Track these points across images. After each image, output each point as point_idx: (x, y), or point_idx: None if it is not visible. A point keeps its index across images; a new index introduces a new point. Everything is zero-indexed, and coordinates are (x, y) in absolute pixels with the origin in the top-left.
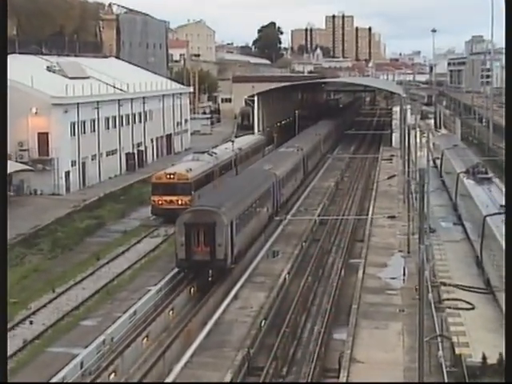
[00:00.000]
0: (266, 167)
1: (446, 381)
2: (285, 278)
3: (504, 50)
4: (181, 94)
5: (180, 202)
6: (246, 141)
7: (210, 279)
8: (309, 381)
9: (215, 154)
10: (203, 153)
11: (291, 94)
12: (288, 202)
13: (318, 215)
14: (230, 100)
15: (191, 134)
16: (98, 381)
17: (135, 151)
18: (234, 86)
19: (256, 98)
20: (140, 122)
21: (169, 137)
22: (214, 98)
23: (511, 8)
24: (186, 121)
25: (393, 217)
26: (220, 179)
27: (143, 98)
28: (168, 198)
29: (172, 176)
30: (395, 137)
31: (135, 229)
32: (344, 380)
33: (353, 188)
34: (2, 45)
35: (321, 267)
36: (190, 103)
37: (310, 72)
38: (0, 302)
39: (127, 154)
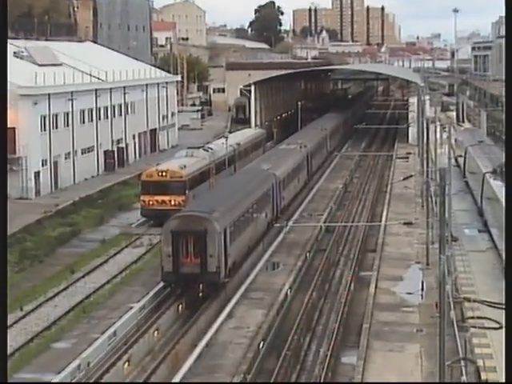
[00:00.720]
0: (265, 167)
1: None
2: (286, 294)
3: (504, 50)
4: (167, 83)
5: (173, 203)
6: (244, 135)
7: (200, 295)
8: (309, 381)
9: (211, 149)
10: (198, 148)
11: (293, 83)
12: (290, 207)
13: (324, 222)
14: (223, 90)
15: (179, 128)
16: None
17: (115, 149)
18: (227, 74)
19: (253, 88)
20: (120, 115)
21: (153, 132)
22: (205, 87)
23: (511, 8)
24: (172, 114)
25: (409, 223)
26: (217, 177)
27: (124, 87)
28: (159, 198)
29: (164, 173)
30: (412, 132)
31: (115, 237)
32: None
33: (364, 190)
34: (1, 44)
35: (327, 281)
36: (178, 94)
37: (315, 58)
38: (0, 302)
39: (106, 152)
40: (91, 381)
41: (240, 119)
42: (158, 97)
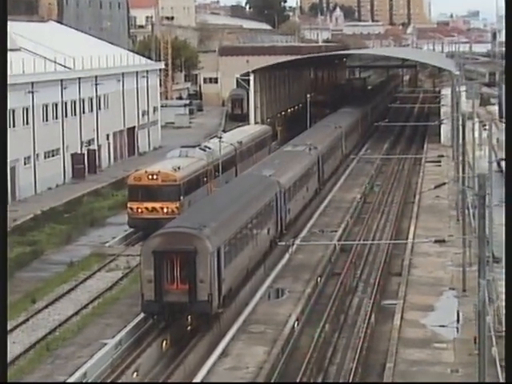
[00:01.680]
0: (267, 173)
1: None
2: (293, 327)
3: (504, 50)
4: (147, 71)
5: (165, 210)
6: (247, 132)
7: (188, 328)
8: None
9: (209, 148)
10: (194, 147)
11: (301, 71)
12: (297, 221)
13: (339, 239)
14: (215, 80)
15: (162, 127)
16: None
17: (84, 151)
18: (221, 61)
19: (252, 78)
20: (91, 111)
21: (131, 131)
22: (194, 77)
23: (511, 8)
24: (154, 109)
25: (442, 241)
26: (216, 181)
27: (95, 77)
28: (149, 205)
29: (155, 176)
30: (445, 130)
31: (85, 259)
32: None
33: (386, 202)
34: (1, 44)
35: (342, 312)
36: (161, 85)
37: (327, 41)
38: (0, 303)
39: (74, 156)
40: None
41: (236, 115)
42: (137, 88)
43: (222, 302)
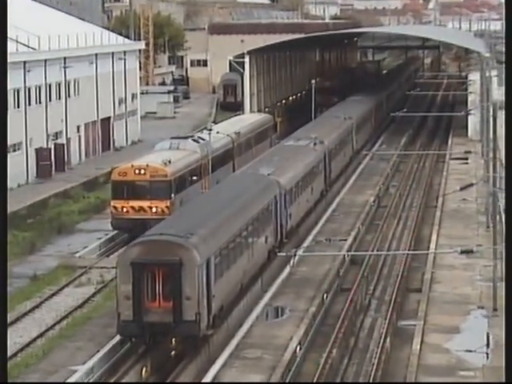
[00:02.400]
0: (265, 171)
1: None
2: (294, 352)
3: (504, 50)
4: (125, 52)
5: (154, 210)
6: (246, 122)
7: (172, 353)
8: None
9: (203, 140)
10: (186, 138)
11: (304, 53)
12: (299, 228)
13: (349, 249)
14: (204, 63)
15: (142, 117)
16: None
17: (51, 146)
18: (211, 41)
19: (247, 60)
20: (59, 98)
21: (106, 123)
22: (180, 59)
23: (511, 8)
24: (133, 97)
25: (469, 252)
26: (212, 177)
27: (64, 59)
28: (136, 204)
29: (142, 171)
30: (473, 122)
31: (51, 272)
32: None
33: (404, 205)
34: (1, 45)
35: (353, 334)
36: (141, 68)
37: (335, 18)
38: (0, 302)
39: (38, 151)
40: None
41: (229, 104)
42: (113, 72)
43: (212, 323)
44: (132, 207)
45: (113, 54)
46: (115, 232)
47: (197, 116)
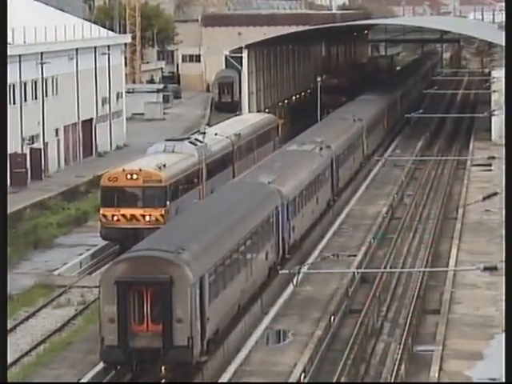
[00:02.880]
0: (265, 179)
1: None
2: (298, 381)
3: (504, 49)
4: (109, 47)
5: (148, 219)
6: (247, 122)
7: (162, 382)
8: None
9: (201, 142)
10: (182, 140)
11: (309, 47)
12: (304, 242)
13: (359, 266)
14: (198, 58)
15: (128, 119)
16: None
17: (26, 151)
18: (204, 34)
19: (246, 55)
20: (35, 98)
21: (88, 125)
22: (170, 54)
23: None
24: (118, 96)
25: (493, 269)
26: (210, 182)
27: (41, 54)
28: (128, 212)
29: (135, 176)
30: (497, 124)
31: (27, 292)
32: None
33: (420, 217)
34: (2, 44)
35: (363, 360)
36: (126, 64)
37: (343, 8)
38: (0, 302)
39: (12, 157)
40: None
41: (225, 104)
42: (96, 69)
43: (206, 348)
44: (123, 215)
45: (95, 48)
46: (98, 247)
47: (189, 118)
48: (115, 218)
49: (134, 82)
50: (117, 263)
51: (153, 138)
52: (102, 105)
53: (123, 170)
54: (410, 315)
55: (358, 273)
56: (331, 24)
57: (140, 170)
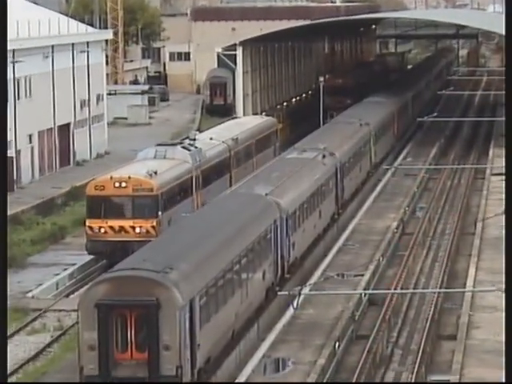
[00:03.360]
0: (262, 191)
1: None
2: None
3: (504, 49)
4: (88, 44)
5: (138, 231)
6: (245, 126)
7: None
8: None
9: (195, 147)
10: (174, 145)
11: (311, 44)
12: (305, 260)
13: (367, 287)
14: (187, 56)
15: (110, 124)
16: None
17: None
18: (194, 29)
19: (240, 53)
20: (5, 101)
21: (65, 130)
22: (156, 51)
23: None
24: (99, 98)
25: None
26: (205, 191)
27: (13, 52)
28: (116, 223)
29: (124, 184)
30: None
31: None
32: None
33: (434, 232)
34: (1, 44)
35: None
36: (108, 63)
37: (348, 0)
38: (0, 302)
39: None
40: None
41: (218, 107)
42: (73, 69)
43: (197, 378)
44: (111, 227)
45: (73, 45)
46: (76, 266)
47: (177, 122)
48: (102, 230)
49: (116, 82)
50: (97, 284)
51: (137, 145)
52: (81, 108)
53: (111, 178)
54: (423, 341)
55: (365, 294)
56: (335, 18)
57: (129, 177)
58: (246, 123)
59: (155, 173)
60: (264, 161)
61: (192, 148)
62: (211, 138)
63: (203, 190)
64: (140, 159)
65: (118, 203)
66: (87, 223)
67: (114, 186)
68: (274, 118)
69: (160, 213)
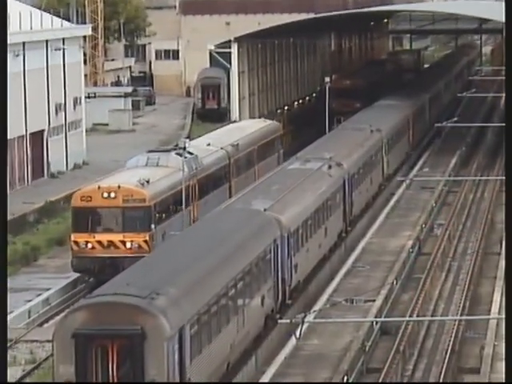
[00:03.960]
0: (260, 206)
1: None
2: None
3: (504, 49)
4: (64, 40)
5: (129, 245)
6: (246, 131)
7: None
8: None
9: (191, 154)
10: (168, 151)
11: (315, 40)
12: (309, 284)
13: (378, 314)
14: (175, 54)
15: (88, 131)
16: None
17: None
18: (184, 24)
19: (235, 50)
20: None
21: (38, 138)
22: (141, 49)
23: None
24: (76, 102)
25: None
26: (203, 202)
27: None
28: (105, 238)
29: (113, 194)
30: None
31: None
32: None
33: (455, 252)
34: (2, 44)
35: None
36: (86, 62)
37: None
38: (0, 301)
39: None
40: None
41: (210, 111)
42: (48, 68)
43: None
44: (99, 242)
45: (47, 42)
46: (52, 291)
47: (165, 129)
48: (89, 245)
49: (95, 84)
50: (75, 311)
51: (119, 155)
52: (56, 113)
53: (98, 188)
54: (442, 375)
55: (376, 322)
56: (342, 11)
57: (119, 186)
58: (246, 128)
59: (147, 182)
60: (267, 169)
61: (187, 155)
62: (208, 144)
63: (200, 200)
64: (130, 167)
65: (107, 215)
66: (72, 238)
67: (102, 197)
68: (277, 123)
69: (153, 226)
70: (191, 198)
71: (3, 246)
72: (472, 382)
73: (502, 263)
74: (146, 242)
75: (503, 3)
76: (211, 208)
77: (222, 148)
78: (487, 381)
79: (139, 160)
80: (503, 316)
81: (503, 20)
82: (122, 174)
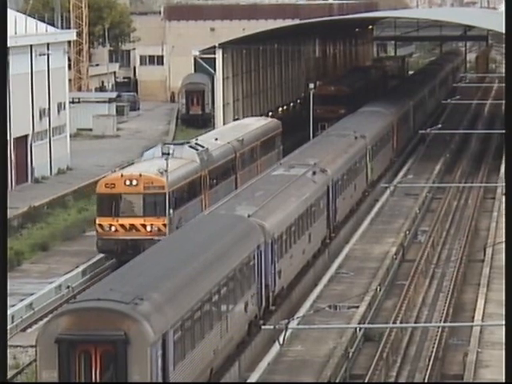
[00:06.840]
0: (244, 211)
1: None
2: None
3: (504, 49)
4: (48, 46)
5: (149, 229)
6: (249, 128)
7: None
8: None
9: (202, 147)
10: (181, 144)
11: (300, 46)
12: (293, 290)
13: (361, 321)
14: (160, 60)
15: (72, 136)
16: None
17: None
18: (169, 29)
19: (220, 56)
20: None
21: (21, 143)
22: (125, 54)
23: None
24: (60, 107)
25: None
26: (214, 192)
27: None
28: (127, 222)
29: (134, 182)
30: None
31: None
32: None
33: (438, 259)
34: (2, 44)
35: None
36: (71, 67)
37: None
38: (0, 302)
39: None
40: None
41: (195, 117)
42: (32, 74)
43: None
44: (122, 225)
45: (31, 47)
46: (35, 296)
47: (149, 134)
48: (113, 228)
49: (79, 89)
50: (58, 317)
51: (103, 160)
52: (40, 118)
53: (121, 176)
54: (425, 382)
55: (360, 329)
56: (327, 18)
57: (140, 175)
58: (250, 125)
59: (165, 171)
60: (268, 164)
61: (199, 147)
62: (216, 139)
63: (211, 190)
64: (148, 158)
65: (129, 201)
66: (97, 221)
67: (125, 184)
68: (278, 120)
69: (171, 210)
70: (203, 187)
71: (3, 246)
72: (472, 381)
73: (486, 270)
74: (164, 225)
75: (488, 11)
76: (220, 197)
77: (228, 143)
78: None
79: (155, 151)
80: (486, 323)
81: (488, 27)
82: (141, 164)
